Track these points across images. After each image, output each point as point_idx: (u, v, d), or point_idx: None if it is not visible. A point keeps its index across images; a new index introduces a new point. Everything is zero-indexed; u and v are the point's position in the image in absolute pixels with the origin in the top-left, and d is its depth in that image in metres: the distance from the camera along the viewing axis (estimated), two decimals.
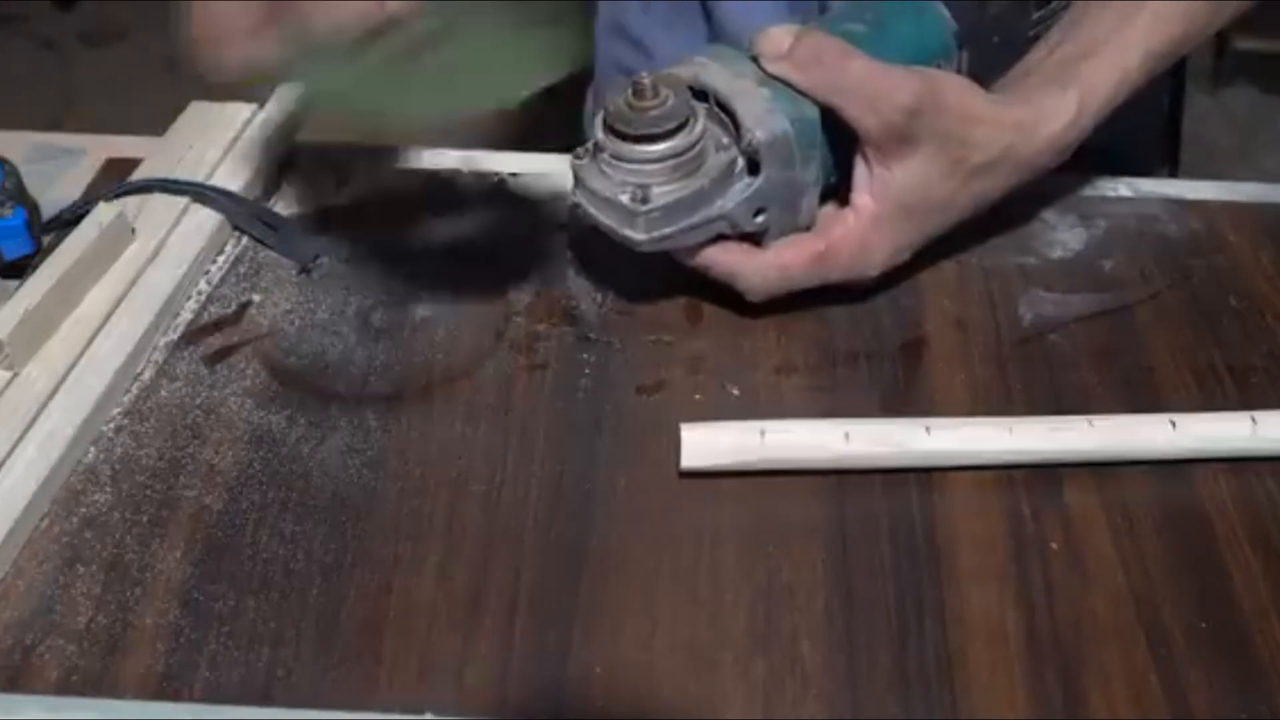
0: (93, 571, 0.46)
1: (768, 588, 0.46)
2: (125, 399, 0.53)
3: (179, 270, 0.58)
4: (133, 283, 0.57)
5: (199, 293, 0.59)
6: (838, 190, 0.57)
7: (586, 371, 0.55)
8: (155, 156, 0.65)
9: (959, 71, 0.59)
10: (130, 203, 0.61)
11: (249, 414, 0.53)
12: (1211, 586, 0.46)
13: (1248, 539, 0.48)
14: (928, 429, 0.50)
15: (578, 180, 0.55)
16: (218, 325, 0.57)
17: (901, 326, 0.58)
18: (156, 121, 0.68)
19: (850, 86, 0.52)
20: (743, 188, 0.54)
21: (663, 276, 0.60)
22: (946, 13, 0.59)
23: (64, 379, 0.52)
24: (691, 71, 0.55)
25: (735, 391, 0.54)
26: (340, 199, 0.65)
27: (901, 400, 0.54)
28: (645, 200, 0.53)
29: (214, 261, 0.61)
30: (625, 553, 0.47)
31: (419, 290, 0.59)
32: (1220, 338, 0.57)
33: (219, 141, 0.65)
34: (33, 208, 0.61)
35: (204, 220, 0.61)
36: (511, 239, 0.63)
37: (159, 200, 0.61)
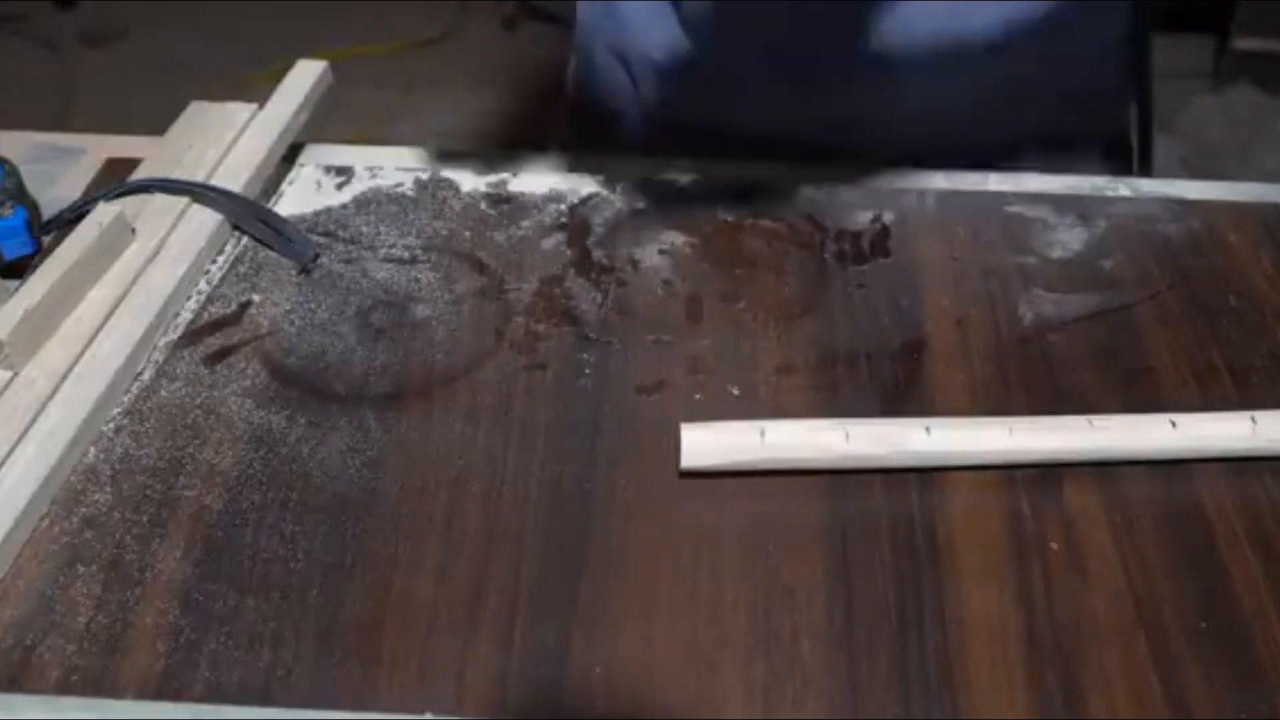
0: (93, 571, 0.46)
1: (768, 588, 0.46)
2: (125, 399, 0.53)
3: (179, 270, 0.58)
4: (133, 283, 0.57)
5: (199, 293, 0.59)
6: None
7: (586, 371, 0.55)
8: (155, 156, 0.65)
9: None
10: (130, 203, 0.61)
11: (249, 414, 0.53)
12: (1211, 586, 0.46)
13: (1248, 539, 0.48)
14: (928, 429, 0.50)
15: None
16: (218, 325, 0.57)
17: (901, 326, 0.58)
18: (156, 121, 0.68)
19: None
20: None
21: (663, 277, 0.60)
22: None
23: (64, 379, 0.52)
24: None
25: (735, 391, 0.54)
26: (340, 199, 0.65)
27: (901, 400, 0.54)
28: None
29: (214, 261, 0.61)
30: (625, 553, 0.47)
31: (419, 290, 0.59)
32: (1220, 338, 0.57)
33: (219, 141, 0.65)
34: (33, 208, 0.61)
35: (204, 220, 0.61)
36: (511, 237, 0.63)
37: (159, 200, 0.61)
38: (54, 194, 0.65)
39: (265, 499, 0.49)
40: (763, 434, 0.49)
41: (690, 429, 0.49)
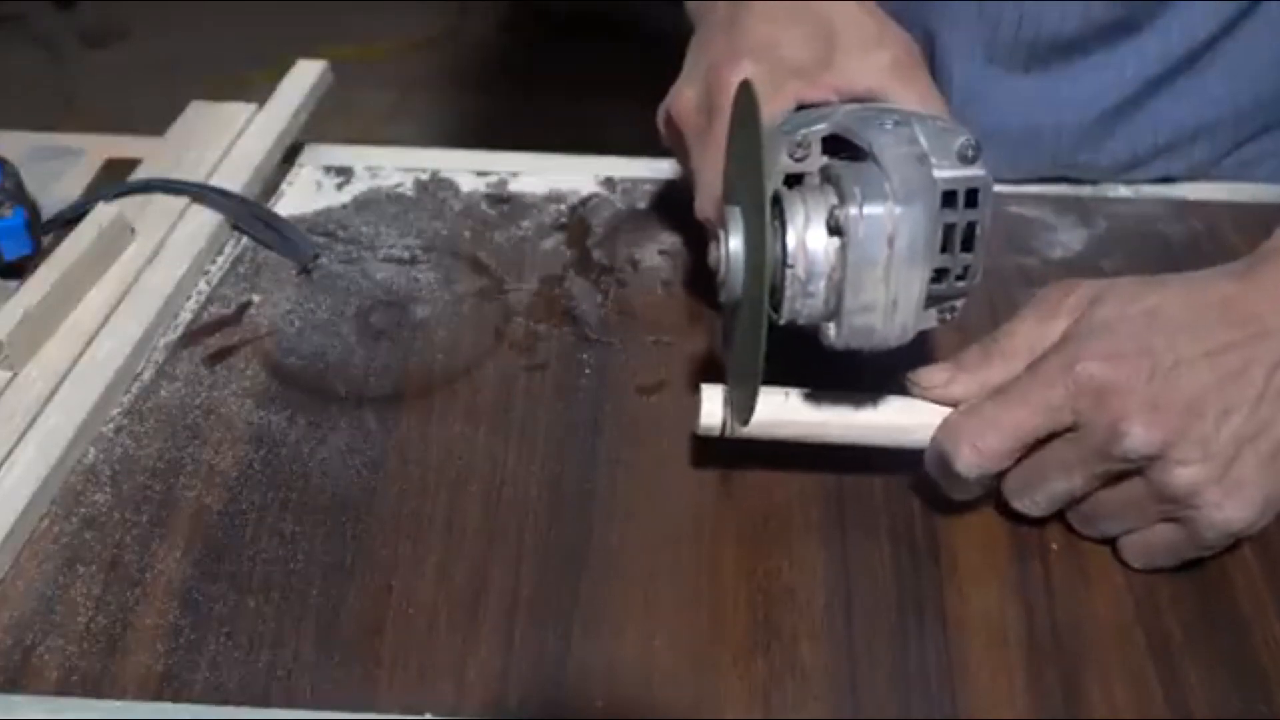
0: (93, 571, 0.46)
1: (768, 588, 0.46)
2: (125, 399, 0.53)
3: (179, 270, 0.58)
4: (133, 283, 0.57)
5: (199, 293, 0.59)
6: None
7: (586, 371, 0.55)
8: (155, 156, 0.65)
9: None
10: (130, 203, 0.61)
11: (249, 414, 0.53)
12: (1211, 586, 0.46)
13: (1248, 539, 0.48)
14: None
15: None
16: (218, 325, 0.57)
17: None
18: (156, 121, 0.68)
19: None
20: None
21: (663, 278, 0.60)
22: None
23: (64, 379, 0.52)
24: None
25: None
26: (340, 199, 0.65)
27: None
28: None
29: (214, 261, 0.61)
30: (625, 553, 0.47)
31: (419, 290, 0.59)
32: None
33: (219, 141, 0.65)
34: (33, 208, 0.61)
35: (204, 220, 0.61)
36: (511, 237, 0.63)
37: (159, 200, 0.61)
38: (54, 194, 0.65)
39: (265, 499, 0.49)
40: (786, 398, 0.48)
41: (711, 388, 0.48)
